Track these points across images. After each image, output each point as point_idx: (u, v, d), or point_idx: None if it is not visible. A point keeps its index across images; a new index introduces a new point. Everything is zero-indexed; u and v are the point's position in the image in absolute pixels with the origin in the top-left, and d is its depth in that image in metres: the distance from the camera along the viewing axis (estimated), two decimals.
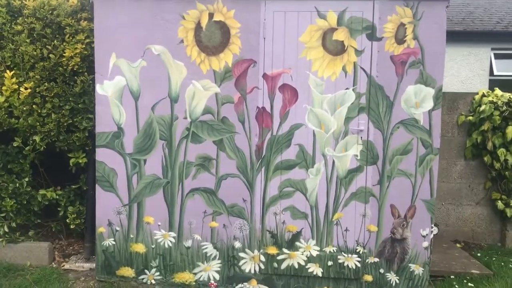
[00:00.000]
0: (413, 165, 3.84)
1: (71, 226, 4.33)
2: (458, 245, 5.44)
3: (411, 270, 3.90)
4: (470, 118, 5.53)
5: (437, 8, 3.72)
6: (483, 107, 5.36)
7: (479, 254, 5.01)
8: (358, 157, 3.84)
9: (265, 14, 3.78)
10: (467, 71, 10.81)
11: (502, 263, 4.73)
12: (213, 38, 3.81)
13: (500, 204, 5.45)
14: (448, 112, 5.64)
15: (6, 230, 4.29)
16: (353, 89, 3.79)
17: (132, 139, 3.92)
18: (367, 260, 3.91)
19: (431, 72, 3.76)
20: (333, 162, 3.85)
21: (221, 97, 3.86)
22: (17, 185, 4.19)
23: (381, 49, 3.75)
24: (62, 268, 4.30)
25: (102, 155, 3.95)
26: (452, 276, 4.36)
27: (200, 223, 3.97)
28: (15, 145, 4.12)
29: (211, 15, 3.80)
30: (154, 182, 3.95)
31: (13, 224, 4.31)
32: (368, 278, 3.93)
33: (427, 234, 3.88)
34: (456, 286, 4.16)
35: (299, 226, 3.92)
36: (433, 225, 5.52)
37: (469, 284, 4.16)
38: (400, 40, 3.75)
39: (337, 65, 3.78)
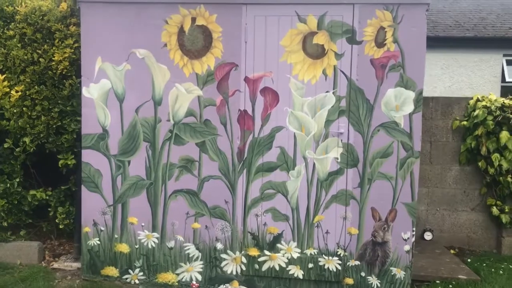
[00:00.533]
0: (394, 168, 3.86)
1: (60, 226, 4.44)
2: (452, 251, 5.40)
3: (392, 273, 3.91)
4: (464, 123, 5.51)
5: (417, 12, 3.76)
6: (476, 111, 5.34)
7: (469, 260, 4.97)
8: (339, 160, 3.87)
9: (246, 18, 3.86)
10: (478, 77, 10.71)
11: (493, 269, 4.69)
12: (196, 42, 3.91)
13: (495, 210, 5.40)
14: (442, 117, 5.63)
15: None
16: (333, 92, 3.84)
17: (117, 140, 4.03)
18: (348, 263, 3.92)
19: (412, 75, 3.79)
20: (314, 164, 3.90)
21: (203, 99, 3.94)
22: (8, 185, 4.33)
23: (361, 53, 3.79)
24: (51, 267, 4.41)
25: (88, 156, 4.06)
26: (437, 281, 4.33)
27: (183, 224, 4.04)
28: (5, 147, 4.26)
29: (193, 20, 3.90)
30: (138, 183, 4.04)
31: (5, 224, 4.44)
32: (349, 281, 3.94)
33: (408, 238, 3.88)
34: None
35: (280, 228, 3.96)
36: (427, 231, 5.54)
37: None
38: (380, 44, 3.78)
39: (317, 68, 3.83)
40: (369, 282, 3.93)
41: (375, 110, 3.83)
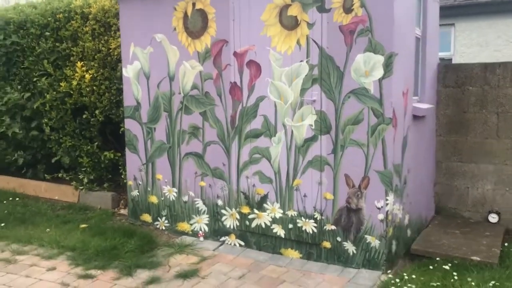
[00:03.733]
0: (365, 135, 3.92)
1: (124, 181, 5.71)
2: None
3: (367, 241, 4.00)
4: None
5: None
6: None
7: (506, 244, 4.49)
8: (313, 127, 4.12)
9: None
10: None
11: None
12: (196, 24, 4.61)
13: None
14: None
15: (86, 181, 5.93)
16: (306, 61, 4.09)
17: (146, 111, 5.04)
18: (324, 227, 4.16)
19: (380, 39, 3.78)
20: (292, 131, 4.23)
21: (203, 74, 4.63)
22: (89, 147, 5.78)
23: (330, 20, 3.95)
24: (118, 212, 5.74)
25: (128, 124, 5.19)
26: (438, 258, 4.15)
27: (193, 182, 4.84)
28: (84, 117, 5.71)
29: (194, 5, 4.60)
30: (161, 147, 4.99)
31: (91, 177, 5.94)
32: (327, 244, 4.18)
33: (382, 206, 3.91)
34: (430, 267, 4.01)
35: (266, 190, 4.42)
36: (493, 212, 5.11)
37: (444, 267, 3.95)
38: (348, 9, 3.87)
39: (292, 39, 4.13)
40: (345, 248, 4.10)
41: (346, 77, 3.94)
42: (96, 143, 5.81)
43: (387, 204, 3.91)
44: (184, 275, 4.03)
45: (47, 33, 5.87)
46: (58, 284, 3.87)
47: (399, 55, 3.90)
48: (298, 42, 4.11)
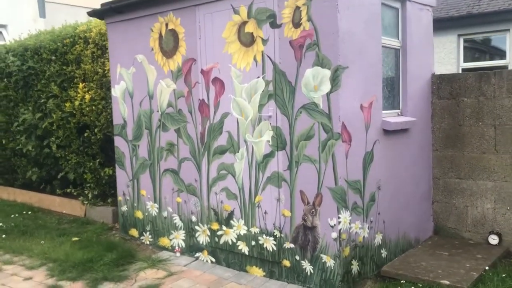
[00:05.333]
0: (317, 151, 3.88)
1: None
2: None
3: (323, 261, 3.93)
4: None
5: None
6: None
7: (487, 268, 4.17)
8: (270, 143, 4.15)
9: (199, 17, 4.55)
10: None
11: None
12: (169, 44, 4.82)
13: None
14: (509, 94, 4.77)
15: (91, 196, 6.31)
16: (262, 77, 4.15)
17: (131, 128, 5.31)
18: (284, 245, 4.15)
19: (326, 53, 3.76)
20: (252, 147, 4.28)
21: (177, 92, 4.83)
22: (91, 163, 6.16)
23: (282, 35, 3.99)
24: (116, 227, 6.03)
25: (117, 141, 5.50)
26: (404, 281, 3.97)
27: (171, 198, 5.02)
28: (85, 135, 6.11)
29: (167, 25, 4.83)
30: (144, 163, 5.23)
31: (95, 192, 6.31)
32: (287, 263, 4.15)
33: (334, 225, 3.83)
34: None
35: (232, 206, 4.49)
36: (493, 233, 4.81)
37: None
38: (296, 24, 3.90)
39: (249, 55, 4.21)
40: (303, 267, 4.05)
41: (297, 92, 3.94)
42: (98, 160, 6.19)
43: (339, 222, 3.83)
44: None
45: (55, 57, 6.38)
46: None
47: (351, 68, 3.84)
48: (255, 58, 4.18)
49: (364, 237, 4.10)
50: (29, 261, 4.91)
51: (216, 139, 4.55)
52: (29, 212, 6.66)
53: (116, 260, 4.78)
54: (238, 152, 4.40)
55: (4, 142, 7.28)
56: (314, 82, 3.85)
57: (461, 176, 5.10)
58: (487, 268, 4.20)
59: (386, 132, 4.33)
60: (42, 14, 11.49)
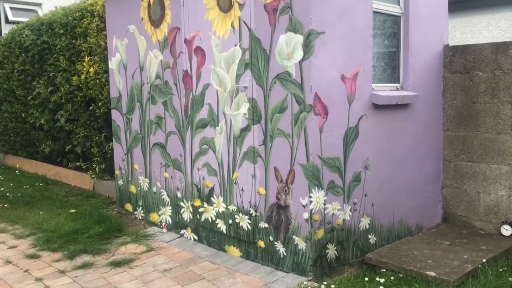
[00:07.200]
0: (290, 125, 3.59)
1: None
2: None
3: (295, 243, 3.67)
4: None
5: None
6: None
7: (484, 260, 3.72)
8: (247, 115, 3.90)
9: None
10: None
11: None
12: (157, 12, 4.66)
13: None
14: None
15: (98, 170, 6.34)
16: (239, 45, 3.88)
17: (125, 101, 5.22)
18: (259, 224, 3.91)
19: (299, 16, 3.45)
20: (230, 120, 4.04)
21: (163, 63, 4.67)
22: (97, 137, 6.17)
23: None
24: None
25: (114, 115, 5.44)
26: (389, 270, 3.63)
27: (159, 173, 4.90)
28: (90, 109, 6.11)
29: None
30: (136, 137, 5.14)
31: (102, 167, 6.33)
32: (261, 244, 3.93)
33: (306, 204, 3.54)
34: (366, 279, 3.52)
35: (213, 182, 4.30)
36: (506, 223, 4.35)
37: (380, 280, 3.45)
38: None
39: (227, 22, 3.96)
40: (277, 248, 3.80)
41: (271, 60, 3.66)
42: (104, 134, 6.19)
43: (311, 202, 3.53)
44: (117, 263, 4.12)
45: (65, 31, 6.41)
46: (3, 260, 4.23)
47: (329, 33, 3.50)
48: (232, 25, 3.93)
49: (344, 219, 3.77)
50: (21, 230, 4.99)
51: (198, 112, 4.36)
52: (41, 184, 6.82)
53: (102, 234, 4.75)
54: (218, 125, 4.18)
55: (24, 115, 7.49)
56: (287, 49, 3.54)
57: (474, 159, 4.60)
58: (484, 260, 3.75)
59: (377, 106, 3.94)
60: None
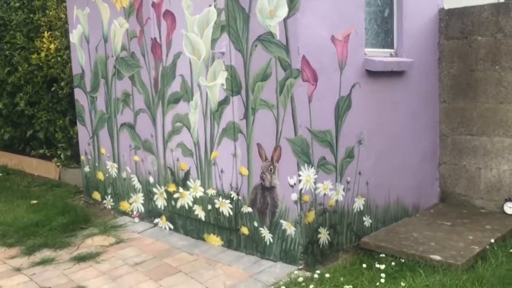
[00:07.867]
0: (274, 94, 3.14)
1: None
2: None
3: (283, 228, 3.25)
4: None
5: None
6: None
7: (492, 240, 3.37)
8: (225, 86, 3.44)
9: None
10: None
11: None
12: None
13: None
14: None
15: (63, 158, 5.80)
16: (214, 5, 3.41)
17: (89, 78, 4.69)
18: (242, 209, 3.47)
19: None
20: (206, 93, 3.58)
21: (129, 32, 4.17)
22: (61, 121, 5.62)
23: None
24: None
25: (77, 94, 4.92)
26: (382, 255, 3.24)
27: (129, 156, 4.42)
28: (52, 90, 5.56)
29: None
30: (102, 117, 4.63)
31: (68, 153, 5.79)
32: (245, 230, 3.50)
33: (295, 184, 3.11)
34: (364, 265, 3.12)
35: (188, 164, 3.84)
36: (509, 201, 4.02)
37: (379, 266, 3.05)
38: None
39: None
40: (262, 235, 3.38)
41: (251, 20, 3.20)
42: (68, 117, 5.65)
43: (300, 181, 3.10)
44: (82, 258, 3.64)
45: (22, 4, 5.82)
46: None
47: None
48: None
49: (337, 200, 3.36)
50: None
51: (170, 85, 3.87)
52: (1, 174, 6.25)
53: (66, 225, 4.26)
54: (192, 99, 3.70)
55: None
56: (269, 6, 3.08)
57: (473, 132, 4.24)
58: (492, 241, 3.39)
59: (370, 73, 3.52)
60: None
